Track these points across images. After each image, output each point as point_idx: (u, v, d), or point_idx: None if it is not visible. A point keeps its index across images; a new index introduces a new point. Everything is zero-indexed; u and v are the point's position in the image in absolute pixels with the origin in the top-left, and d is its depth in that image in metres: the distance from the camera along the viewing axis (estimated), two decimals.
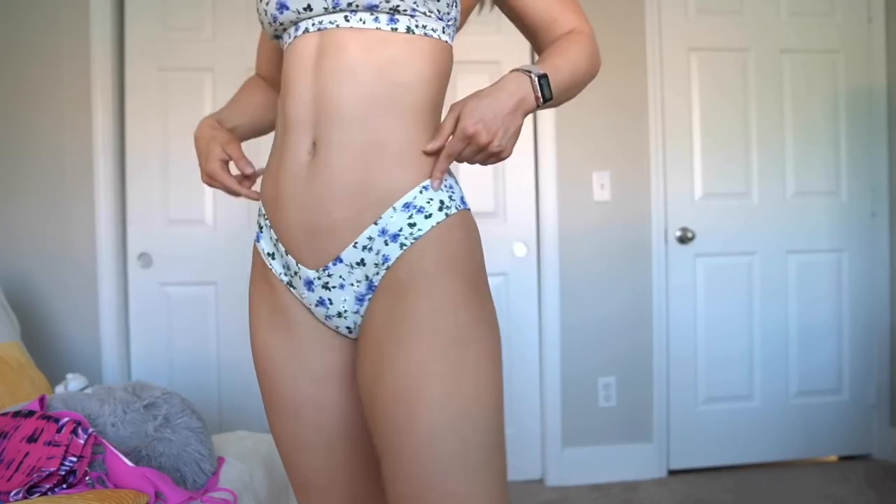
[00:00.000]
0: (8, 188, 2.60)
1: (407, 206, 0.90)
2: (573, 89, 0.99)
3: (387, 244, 0.90)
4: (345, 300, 0.94)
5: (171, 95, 2.67)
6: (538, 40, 1.05)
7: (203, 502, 1.46)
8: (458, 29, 1.00)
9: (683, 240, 2.81)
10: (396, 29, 0.92)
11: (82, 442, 1.40)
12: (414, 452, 0.81)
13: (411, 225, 0.90)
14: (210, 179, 1.10)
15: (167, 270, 2.68)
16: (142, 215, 2.68)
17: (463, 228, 0.93)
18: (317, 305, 0.97)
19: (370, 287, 0.93)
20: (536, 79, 0.90)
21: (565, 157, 2.74)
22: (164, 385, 1.77)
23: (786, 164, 2.88)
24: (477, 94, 0.89)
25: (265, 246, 1.03)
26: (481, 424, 0.83)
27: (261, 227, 1.04)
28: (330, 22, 0.92)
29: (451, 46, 0.98)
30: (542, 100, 0.90)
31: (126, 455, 1.46)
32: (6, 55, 2.59)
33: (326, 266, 0.94)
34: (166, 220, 2.69)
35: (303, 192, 0.93)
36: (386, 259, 0.91)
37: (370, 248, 0.91)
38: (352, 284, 0.93)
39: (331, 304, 0.95)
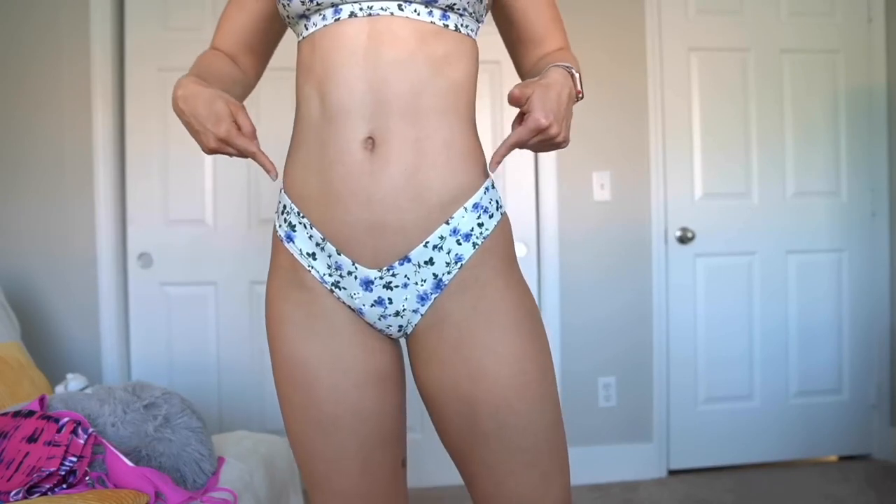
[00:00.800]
0: (8, 188, 2.60)
1: (476, 206, 0.93)
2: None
3: (459, 244, 0.92)
4: (406, 299, 0.93)
5: (170, 95, 2.66)
6: (523, 52, 1.07)
7: (203, 502, 1.46)
8: None
9: (683, 240, 2.81)
10: (447, 26, 0.92)
11: (82, 442, 1.40)
12: (520, 428, 0.92)
13: (480, 225, 0.94)
14: (221, 145, 0.91)
15: (167, 270, 2.68)
16: (142, 215, 2.68)
17: (509, 225, 1.00)
18: (372, 305, 0.94)
19: (438, 286, 0.93)
20: (578, 75, 0.94)
21: (565, 157, 2.74)
22: (164, 385, 1.77)
23: (786, 164, 2.88)
24: (540, 85, 0.87)
25: (303, 246, 0.95)
26: (557, 401, 0.97)
27: (293, 227, 0.96)
28: (382, 8, 0.90)
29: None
30: (581, 95, 0.94)
31: (126, 455, 1.46)
32: (6, 55, 2.59)
33: (391, 266, 0.92)
34: (166, 220, 2.69)
35: (367, 190, 0.89)
36: (459, 258, 0.92)
37: (441, 248, 0.91)
38: (416, 283, 0.93)
39: (390, 303, 0.94)
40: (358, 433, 0.95)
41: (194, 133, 0.92)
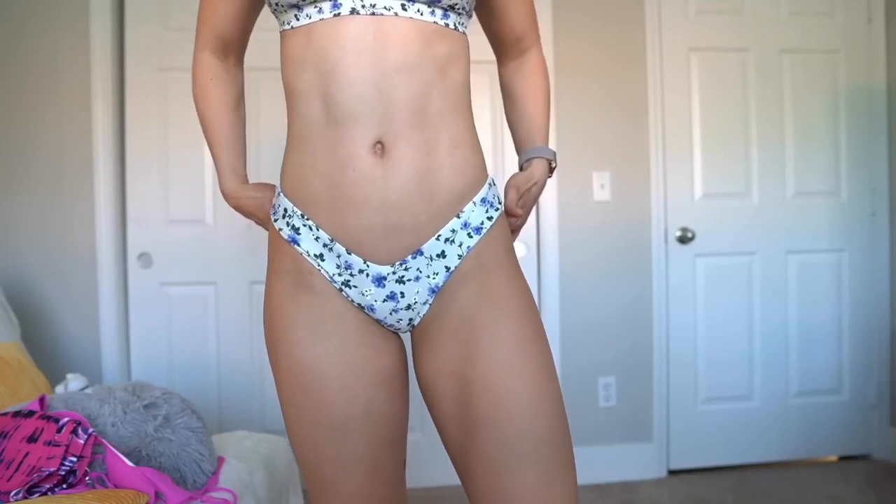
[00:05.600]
0: (8, 188, 2.60)
1: (483, 200, 0.97)
2: None
3: (470, 236, 0.95)
4: (417, 292, 0.94)
5: (171, 95, 2.67)
6: (501, 47, 1.18)
7: (203, 502, 1.46)
8: None
9: (683, 240, 2.81)
10: (448, 25, 0.93)
11: (82, 442, 1.40)
12: (516, 413, 0.90)
13: (489, 218, 0.98)
14: None
15: (167, 270, 2.68)
16: (142, 215, 2.68)
17: (506, 219, 1.05)
18: (384, 300, 0.94)
19: (448, 277, 0.95)
20: (552, 164, 1.15)
21: (565, 157, 2.74)
22: (164, 385, 1.77)
23: (786, 164, 2.88)
24: (533, 183, 1.10)
25: (310, 248, 0.95)
26: (558, 393, 0.95)
27: (296, 230, 0.95)
28: (385, 8, 0.88)
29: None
30: (553, 171, 1.16)
31: (126, 455, 1.46)
32: (6, 55, 2.59)
33: (404, 260, 0.92)
34: (166, 220, 2.69)
35: (380, 195, 0.89)
36: (469, 250, 0.96)
37: (452, 241, 0.94)
38: (428, 276, 0.94)
39: (402, 297, 0.94)
40: (367, 435, 0.95)
41: None
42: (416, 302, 0.95)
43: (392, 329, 0.99)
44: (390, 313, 0.96)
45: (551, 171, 1.14)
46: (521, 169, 1.13)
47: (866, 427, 2.93)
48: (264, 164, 2.71)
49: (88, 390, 1.70)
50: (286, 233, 0.96)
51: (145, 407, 1.58)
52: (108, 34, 2.60)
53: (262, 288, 2.72)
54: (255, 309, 2.71)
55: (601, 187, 2.77)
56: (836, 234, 2.91)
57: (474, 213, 0.96)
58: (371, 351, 0.96)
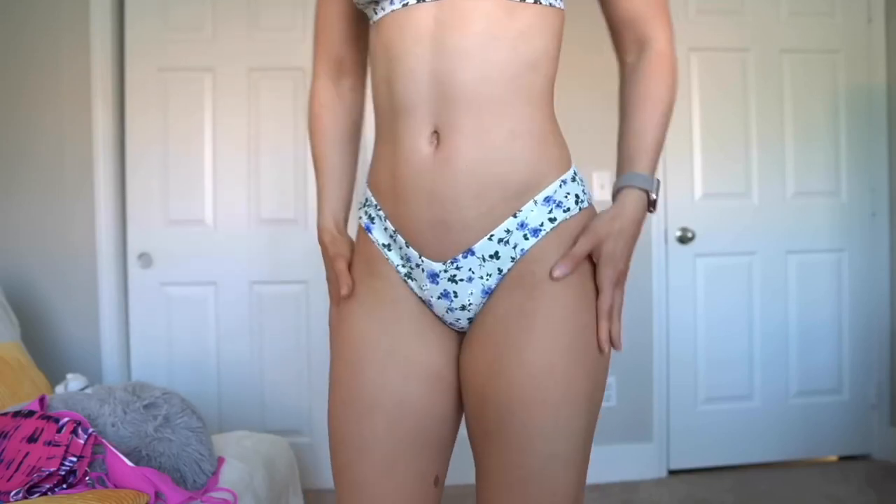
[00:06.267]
0: (8, 188, 2.60)
1: (548, 199, 0.88)
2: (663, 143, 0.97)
3: (526, 238, 0.87)
4: (471, 293, 0.90)
5: (171, 95, 2.67)
6: (613, 36, 1.01)
7: (203, 502, 1.47)
8: None
9: (683, 240, 2.81)
10: None
11: (82, 442, 1.40)
12: (523, 447, 0.84)
13: (552, 220, 0.88)
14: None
15: (167, 270, 2.68)
16: (142, 215, 2.68)
17: (583, 222, 0.91)
18: (439, 298, 0.92)
19: (500, 280, 0.89)
20: (650, 196, 0.92)
21: None
22: (164, 385, 1.77)
23: (786, 164, 2.88)
24: (616, 236, 0.89)
25: (380, 237, 0.96)
26: (583, 426, 0.87)
27: (371, 218, 0.97)
28: None
29: (563, 13, 0.92)
30: (650, 210, 0.92)
31: (126, 455, 1.46)
32: (6, 55, 2.59)
33: (455, 259, 0.89)
34: (166, 220, 2.69)
35: (429, 188, 0.87)
36: (523, 253, 0.88)
37: (507, 242, 0.87)
38: (481, 277, 0.89)
39: (455, 297, 0.91)
40: (392, 426, 0.91)
41: None
42: (470, 304, 0.91)
43: (454, 328, 0.95)
44: (446, 312, 0.93)
45: (651, 204, 0.91)
46: (613, 200, 0.94)
47: (866, 427, 2.93)
48: (264, 164, 2.71)
49: (88, 390, 1.70)
50: (364, 220, 0.98)
51: (145, 407, 1.58)
52: (108, 34, 2.60)
53: (262, 288, 2.72)
54: (256, 309, 2.71)
55: (601, 187, 2.77)
56: (836, 234, 2.91)
57: (534, 212, 0.87)
58: (420, 344, 0.93)
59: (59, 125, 2.60)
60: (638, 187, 0.90)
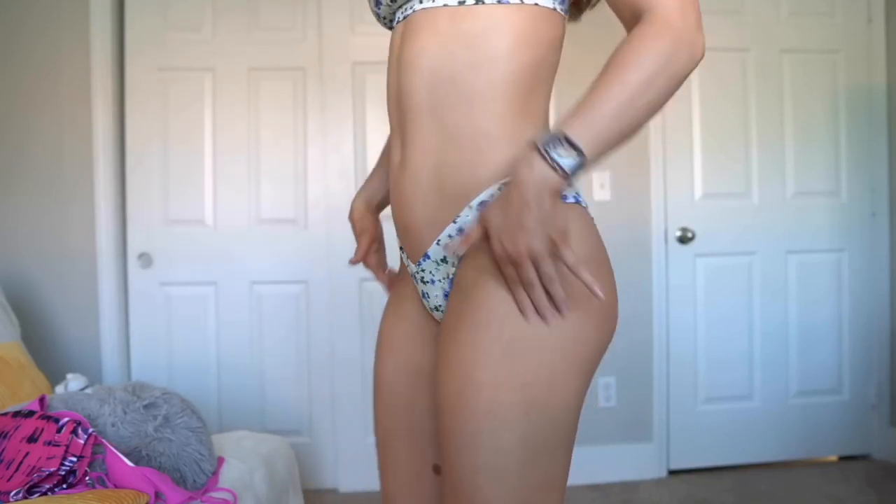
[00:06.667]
0: (8, 188, 2.60)
1: (483, 204, 0.85)
2: (632, 121, 0.77)
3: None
4: (436, 295, 0.94)
5: (171, 95, 2.67)
6: (621, 20, 0.88)
7: (203, 502, 1.47)
8: None
9: (683, 240, 2.81)
10: (464, 2, 0.83)
11: (82, 442, 1.40)
12: (452, 456, 0.80)
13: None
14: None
15: (167, 270, 2.68)
16: (142, 215, 2.68)
17: None
18: (423, 297, 0.97)
19: (450, 284, 0.91)
20: (542, 149, 0.73)
21: None
22: (164, 385, 1.77)
23: (786, 164, 2.88)
24: (496, 206, 0.76)
25: (397, 238, 1.05)
26: (517, 440, 0.77)
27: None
28: (411, 8, 0.88)
29: (552, 10, 0.86)
30: (564, 169, 0.73)
31: (126, 455, 1.46)
32: (5, 55, 2.59)
33: (420, 262, 0.93)
34: (166, 220, 2.69)
35: (396, 195, 0.93)
36: (461, 258, 0.88)
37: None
38: (439, 280, 0.93)
39: (428, 297, 0.96)
40: (389, 414, 0.98)
41: None
42: (439, 305, 0.95)
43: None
44: (432, 310, 0.97)
45: (550, 160, 0.73)
46: None
47: (866, 427, 2.93)
48: (264, 164, 2.71)
49: (88, 390, 1.70)
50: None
51: (145, 407, 1.58)
52: (107, 34, 2.60)
53: (262, 288, 2.72)
54: (256, 309, 2.71)
55: (601, 187, 2.77)
56: (836, 234, 2.91)
57: (469, 217, 0.86)
58: (413, 340, 0.98)
59: (58, 125, 2.60)
60: (532, 146, 0.75)
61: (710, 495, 2.58)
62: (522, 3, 0.84)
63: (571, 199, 0.87)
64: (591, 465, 2.73)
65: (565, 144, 0.73)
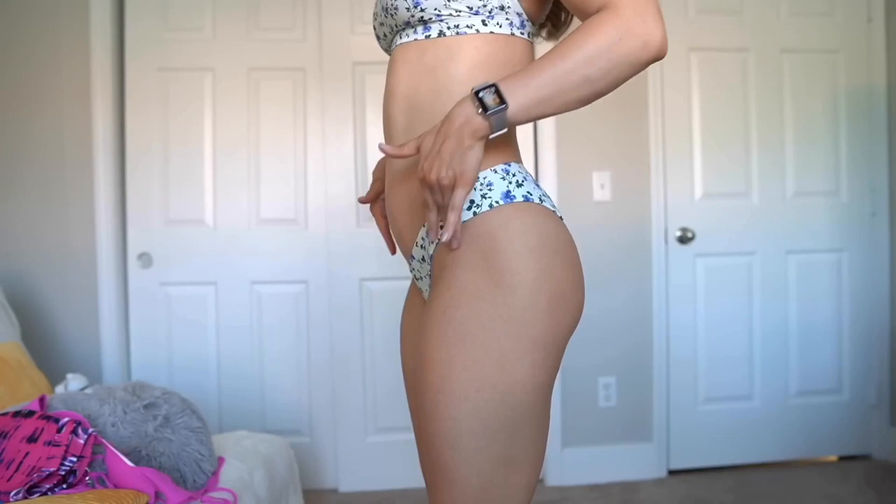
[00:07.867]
0: (8, 188, 2.60)
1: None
2: (566, 89, 0.84)
3: (432, 243, 0.97)
4: (426, 289, 1.05)
5: (171, 95, 2.67)
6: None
7: (203, 502, 1.47)
8: (535, 16, 0.97)
9: (683, 240, 2.81)
10: (430, 36, 0.96)
11: (82, 442, 1.40)
12: (421, 425, 0.89)
13: (442, 226, 0.89)
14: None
15: (167, 270, 2.68)
16: (142, 215, 2.68)
17: (498, 223, 0.88)
18: (421, 291, 1.09)
19: (430, 280, 1.03)
20: (473, 93, 0.83)
21: (565, 157, 2.74)
22: (164, 385, 1.77)
23: (786, 164, 2.88)
24: (432, 129, 0.89)
25: None
26: (469, 411, 0.84)
27: None
28: (395, 43, 1.01)
29: (508, 36, 0.94)
30: (487, 112, 0.82)
31: (126, 455, 1.46)
32: (5, 54, 2.59)
33: (409, 260, 1.06)
34: (166, 220, 2.69)
35: (387, 207, 1.06)
36: (431, 257, 0.99)
37: (423, 247, 1.00)
38: (425, 277, 1.03)
39: (423, 291, 1.07)
40: (409, 392, 1.09)
41: None
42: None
43: None
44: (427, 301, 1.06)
45: (483, 105, 0.83)
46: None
47: (866, 427, 2.93)
48: (264, 164, 2.71)
49: (88, 390, 1.70)
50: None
51: (145, 407, 1.58)
52: (108, 34, 2.60)
53: (261, 288, 2.72)
54: (255, 309, 2.71)
55: (601, 187, 2.77)
56: (836, 234, 2.91)
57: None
58: (411, 332, 1.09)
59: (58, 125, 2.60)
60: (471, 91, 0.85)
61: (710, 495, 2.58)
62: (478, 32, 0.94)
63: (520, 198, 0.91)
64: (591, 465, 2.73)
65: (493, 93, 0.83)
